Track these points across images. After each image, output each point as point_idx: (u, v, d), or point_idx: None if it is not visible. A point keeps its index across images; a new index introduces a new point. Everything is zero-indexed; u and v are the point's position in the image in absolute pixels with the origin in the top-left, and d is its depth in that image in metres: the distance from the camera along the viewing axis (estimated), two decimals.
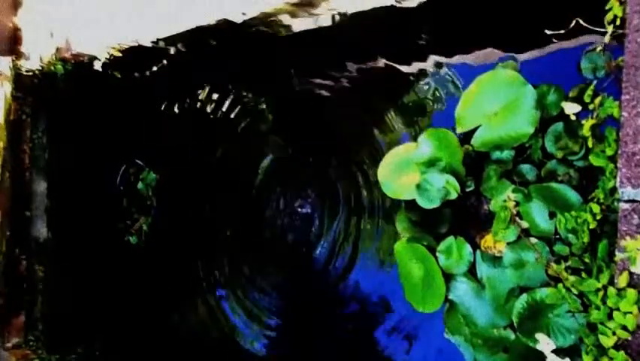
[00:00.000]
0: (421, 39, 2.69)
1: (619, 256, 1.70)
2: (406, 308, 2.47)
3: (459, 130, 2.39)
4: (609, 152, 1.88)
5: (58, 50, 3.18)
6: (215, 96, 3.32)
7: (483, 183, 2.33)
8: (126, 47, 3.05)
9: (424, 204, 2.35)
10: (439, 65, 2.60)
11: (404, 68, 2.72)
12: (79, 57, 3.17)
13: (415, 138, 2.52)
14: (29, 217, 3.30)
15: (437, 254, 2.36)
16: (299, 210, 3.06)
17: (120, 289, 3.35)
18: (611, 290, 1.72)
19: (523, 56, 2.40)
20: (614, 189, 1.82)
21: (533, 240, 2.13)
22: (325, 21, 2.66)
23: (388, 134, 2.76)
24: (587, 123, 1.99)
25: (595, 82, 2.10)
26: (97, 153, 3.43)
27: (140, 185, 3.44)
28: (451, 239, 2.35)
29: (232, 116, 3.28)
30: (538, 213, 2.15)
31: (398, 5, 2.35)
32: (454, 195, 2.30)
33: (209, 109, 3.32)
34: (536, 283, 2.13)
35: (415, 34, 2.68)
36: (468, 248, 2.31)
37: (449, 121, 2.41)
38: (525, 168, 2.27)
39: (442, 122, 2.49)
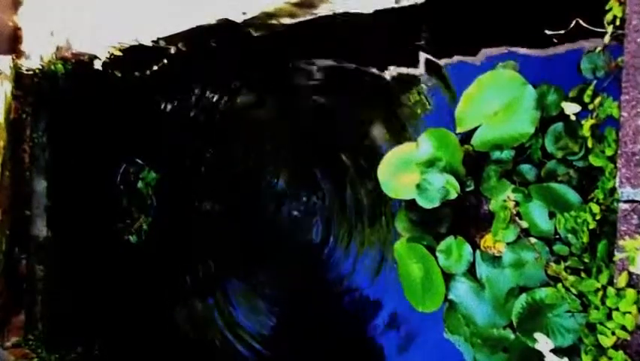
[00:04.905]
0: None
1: (618, 256, 1.71)
2: None
3: (459, 130, 2.39)
4: (609, 152, 1.89)
5: (58, 49, 3.18)
6: (215, 95, 3.32)
7: (483, 183, 2.33)
8: (126, 46, 3.05)
9: (424, 203, 2.35)
10: None
11: None
12: (79, 56, 3.17)
13: None
14: (29, 216, 3.30)
15: (437, 254, 2.36)
16: (301, 207, 3.06)
17: (120, 289, 3.35)
18: (611, 290, 1.72)
19: None
20: (613, 190, 1.82)
21: (533, 240, 2.13)
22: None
23: None
24: (587, 123, 2.00)
25: (595, 82, 2.11)
26: (97, 152, 3.43)
27: (140, 184, 3.43)
28: (450, 239, 2.35)
29: (233, 115, 3.28)
30: (538, 214, 2.15)
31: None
32: (453, 195, 2.30)
33: (209, 108, 3.32)
34: (536, 283, 2.13)
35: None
36: (468, 248, 2.31)
37: None
38: (525, 168, 2.27)
39: None
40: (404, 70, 2.75)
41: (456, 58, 2.63)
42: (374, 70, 2.83)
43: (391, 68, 2.78)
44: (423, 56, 2.70)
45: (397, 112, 2.78)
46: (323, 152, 3.02)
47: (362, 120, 2.89)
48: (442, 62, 2.66)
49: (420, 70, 2.71)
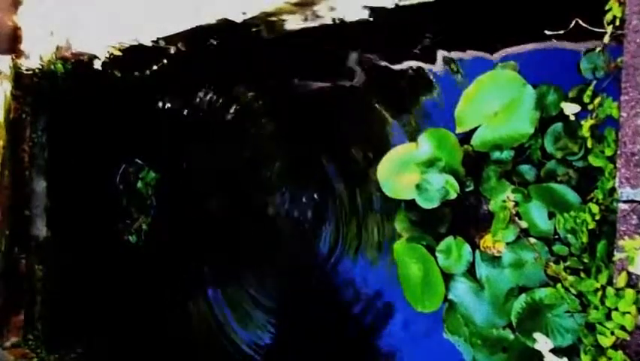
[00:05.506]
0: None
1: (617, 256, 1.71)
2: None
3: (459, 130, 2.39)
4: (608, 152, 1.89)
5: (58, 48, 3.18)
6: (215, 95, 3.32)
7: (482, 184, 2.34)
8: (126, 46, 3.05)
9: (424, 204, 2.36)
10: None
11: None
12: (79, 56, 3.17)
13: None
14: (29, 216, 3.30)
15: (436, 254, 2.36)
16: (305, 207, 3.05)
17: (120, 289, 3.35)
18: (610, 290, 1.72)
19: None
20: (613, 190, 1.82)
21: (532, 240, 2.14)
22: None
23: None
24: (587, 124, 2.00)
25: (594, 82, 2.11)
26: (96, 152, 3.43)
27: (139, 184, 3.43)
28: (450, 239, 2.35)
29: (233, 114, 3.28)
30: (538, 214, 2.15)
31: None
32: (453, 195, 2.31)
33: (209, 108, 3.32)
34: (535, 283, 2.13)
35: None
36: (467, 248, 2.32)
37: None
38: (524, 168, 2.27)
39: None
40: (419, 64, 2.73)
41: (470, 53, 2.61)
42: (386, 63, 2.81)
43: (405, 62, 2.76)
44: (439, 51, 2.67)
45: (410, 108, 2.76)
46: (329, 150, 3.01)
47: (372, 116, 2.86)
48: (457, 56, 2.64)
49: (436, 65, 2.69)
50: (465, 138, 2.39)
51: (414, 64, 2.74)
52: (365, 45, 2.83)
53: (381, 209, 2.75)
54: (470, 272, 2.33)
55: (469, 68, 2.57)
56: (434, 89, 2.69)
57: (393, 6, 2.47)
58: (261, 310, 3.09)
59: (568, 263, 2.00)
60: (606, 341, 1.70)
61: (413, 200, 2.39)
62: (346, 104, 2.95)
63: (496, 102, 2.30)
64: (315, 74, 3.02)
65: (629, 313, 1.65)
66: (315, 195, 3.01)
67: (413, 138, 2.59)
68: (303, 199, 3.05)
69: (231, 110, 3.29)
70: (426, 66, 2.70)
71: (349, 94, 2.93)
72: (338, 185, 2.93)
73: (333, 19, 2.70)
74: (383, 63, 2.82)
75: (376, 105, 2.84)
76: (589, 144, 2.01)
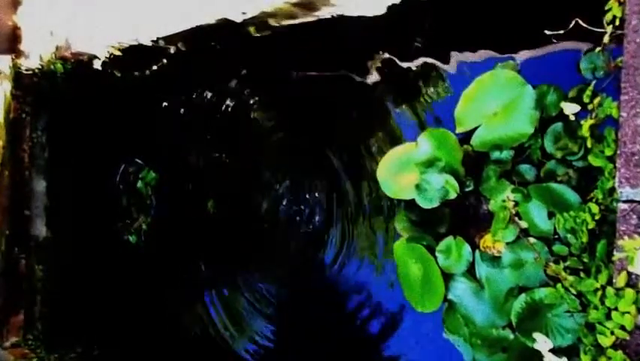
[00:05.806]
0: None
1: (617, 255, 1.71)
2: None
3: (459, 130, 2.39)
4: (608, 152, 1.89)
5: (58, 48, 3.18)
6: (215, 95, 3.32)
7: (482, 183, 2.34)
8: (126, 46, 3.05)
9: (424, 203, 2.36)
10: None
11: None
12: (79, 56, 3.17)
13: None
14: (29, 216, 3.30)
15: (436, 254, 2.36)
16: (305, 206, 3.04)
17: (119, 289, 3.35)
18: (610, 290, 1.72)
19: None
20: (612, 190, 1.82)
21: (532, 240, 2.14)
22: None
23: None
24: (586, 123, 2.00)
25: (594, 82, 2.11)
26: (96, 152, 3.43)
27: (139, 184, 3.44)
28: (450, 239, 2.35)
29: (233, 114, 3.28)
30: (538, 214, 2.15)
31: None
32: (453, 195, 2.31)
33: (209, 107, 3.32)
34: (535, 283, 2.13)
35: None
36: (467, 248, 2.31)
37: None
38: (524, 168, 2.27)
39: None
40: (430, 61, 2.71)
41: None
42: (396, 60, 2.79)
43: (420, 59, 2.72)
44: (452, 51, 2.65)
45: (416, 105, 2.74)
46: (330, 149, 2.99)
47: (381, 111, 2.83)
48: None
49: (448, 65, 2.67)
50: (465, 137, 2.39)
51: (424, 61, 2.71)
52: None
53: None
54: (470, 272, 2.33)
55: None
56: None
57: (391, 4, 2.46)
58: (260, 312, 3.09)
59: (568, 263, 2.00)
60: (606, 341, 1.70)
61: (413, 200, 2.39)
62: (359, 102, 2.93)
63: (495, 102, 2.30)
64: (322, 71, 3.01)
65: (628, 313, 1.65)
66: (317, 195, 3.00)
67: None
68: (308, 196, 3.03)
69: (231, 110, 3.29)
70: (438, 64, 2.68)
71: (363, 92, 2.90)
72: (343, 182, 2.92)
73: (332, 16, 2.70)
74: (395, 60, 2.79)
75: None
76: (589, 144, 2.01)
